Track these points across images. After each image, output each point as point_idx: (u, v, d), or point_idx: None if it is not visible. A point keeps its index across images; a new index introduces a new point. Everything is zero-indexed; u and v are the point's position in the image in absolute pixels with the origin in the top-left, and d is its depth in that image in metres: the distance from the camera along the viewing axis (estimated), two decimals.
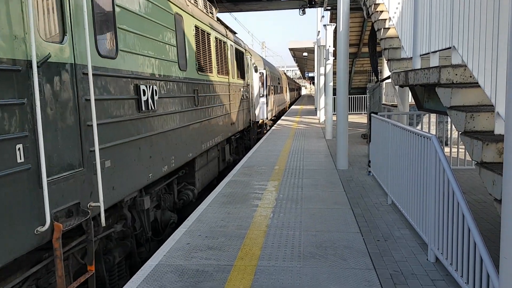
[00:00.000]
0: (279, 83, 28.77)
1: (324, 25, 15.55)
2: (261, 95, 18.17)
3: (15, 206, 3.03)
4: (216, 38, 9.58)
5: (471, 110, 3.38)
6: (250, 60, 15.34)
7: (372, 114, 7.88)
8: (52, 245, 3.37)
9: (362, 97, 25.09)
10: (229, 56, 11.10)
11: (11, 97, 3.00)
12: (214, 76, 9.16)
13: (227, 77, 10.72)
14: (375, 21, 7.86)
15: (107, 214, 4.67)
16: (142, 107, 5.12)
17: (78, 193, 3.76)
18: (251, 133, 15.72)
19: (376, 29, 7.76)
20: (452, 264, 3.74)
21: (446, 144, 11.08)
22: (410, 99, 8.93)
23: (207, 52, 8.68)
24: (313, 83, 53.13)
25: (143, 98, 5.17)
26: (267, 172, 8.96)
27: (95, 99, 3.97)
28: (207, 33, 8.75)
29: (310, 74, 47.98)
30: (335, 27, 13.46)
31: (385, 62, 13.05)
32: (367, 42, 13.70)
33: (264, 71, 19.09)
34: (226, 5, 18.55)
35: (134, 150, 4.94)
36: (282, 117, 25.42)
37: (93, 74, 3.93)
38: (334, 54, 13.10)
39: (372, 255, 4.50)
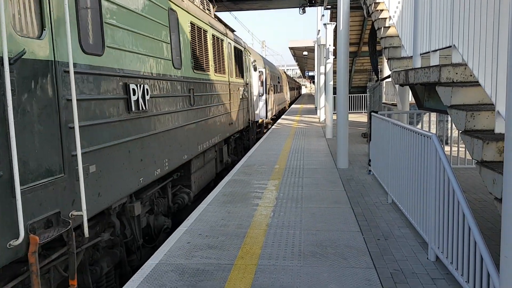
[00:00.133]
0: (279, 82, 28.74)
1: (324, 24, 15.54)
2: (260, 94, 18.07)
3: None
4: (213, 35, 9.31)
5: (471, 109, 3.38)
6: (249, 58, 15.23)
7: (372, 113, 7.88)
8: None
9: (362, 96, 25.09)
10: (227, 54, 10.84)
11: None
12: (211, 75, 8.90)
13: (225, 76, 10.45)
14: (375, 20, 7.84)
15: (94, 222, 4.45)
16: (132, 108, 4.85)
17: (58, 202, 3.48)
18: (250, 133, 15.53)
19: (376, 28, 7.75)
20: (452, 263, 3.75)
21: (447, 143, 11.08)
22: (411, 98, 8.93)
23: (203, 50, 8.40)
24: (313, 82, 53.12)
25: (133, 98, 4.90)
26: (268, 171, 8.96)
27: (79, 99, 3.73)
28: (203, 30, 8.47)
29: (310, 73, 47.92)
30: (335, 26, 13.46)
31: (385, 61, 13.03)
32: (367, 41, 13.68)
33: (263, 70, 19.00)
34: (226, 4, 18.52)
35: (122, 153, 4.65)
36: (282, 116, 25.41)
37: (76, 72, 3.69)
38: (334, 53, 13.09)
39: (373, 254, 4.50)
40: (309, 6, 18.34)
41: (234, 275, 4.07)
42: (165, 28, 6.18)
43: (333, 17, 18.98)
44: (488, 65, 3.07)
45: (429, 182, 4.25)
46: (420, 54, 5.02)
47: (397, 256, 4.45)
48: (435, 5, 4.46)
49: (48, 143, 3.39)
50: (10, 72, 2.91)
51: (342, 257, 4.42)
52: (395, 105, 12.71)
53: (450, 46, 4.00)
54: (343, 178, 8.24)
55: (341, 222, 5.54)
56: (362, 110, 25.08)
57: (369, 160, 8.44)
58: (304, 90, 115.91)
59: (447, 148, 10.20)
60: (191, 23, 7.59)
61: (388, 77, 10.04)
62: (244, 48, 14.06)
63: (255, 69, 16.30)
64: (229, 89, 10.96)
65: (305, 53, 33.27)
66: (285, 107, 36.33)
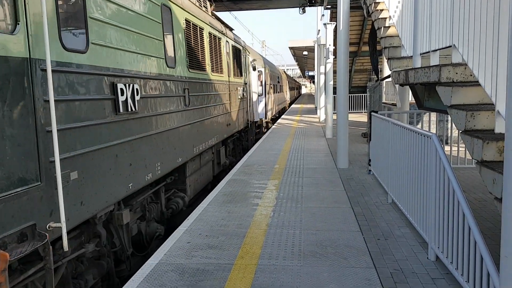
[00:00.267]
0: (278, 82, 28.72)
1: (324, 24, 15.54)
2: (260, 94, 17.97)
3: None
4: (210, 33, 8.99)
5: (471, 108, 3.38)
6: (248, 57, 15.10)
7: (372, 113, 7.88)
8: None
9: (362, 96, 25.10)
10: (224, 53, 10.53)
11: None
12: (207, 74, 8.57)
13: (223, 75, 10.14)
14: (375, 20, 7.84)
15: (77, 232, 4.18)
16: (119, 109, 4.55)
17: (34, 213, 3.18)
18: (249, 134, 15.33)
19: (376, 28, 7.75)
20: (452, 263, 3.75)
21: (447, 143, 11.08)
22: (411, 97, 8.93)
23: (199, 49, 8.06)
24: (313, 82, 53.12)
25: (121, 98, 4.59)
26: (268, 171, 8.96)
27: (59, 100, 3.45)
28: (200, 27, 8.14)
29: (310, 73, 47.92)
30: (335, 26, 13.46)
31: (385, 60, 13.04)
32: (367, 41, 13.69)
33: (263, 69, 18.93)
34: (226, 3, 18.50)
35: (109, 157, 4.34)
36: (282, 116, 25.42)
37: (54, 71, 3.41)
38: (334, 53, 13.09)
39: (373, 254, 4.50)
40: (309, 6, 18.33)
41: (234, 275, 4.07)
42: (158, 24, 5.89)
43: (333, 17, 18.98)
44: (488, 65, 3.07)
45: (429, 182, 4.25)
46: (420, 54, 5.02)
47: (397, 256, 4.45)
48: (435, 5, 4.45)
49: (22, 148, 3.10)
50: None
51: (342, 256, 4.43)
52: (395, 105, 12.71)
53: (450, 46, 4.00)
54: (343, 178, 8.24)
55: (341, 222, 5.54)
56: (362, 110, 25.09)
57: (369, 160, 8.44)
58: (304, 90, 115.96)
59: (447, 148, 10.21)
60: (186, 20, 7.29)
61: (388, 77, 10.04)
62: (243, 47, 13.87)
63: (254, 69, 16.19)
64: (227, 89, 10.70)
65: (305, 53, 33.29)
66: (285, 107, 36.33)
